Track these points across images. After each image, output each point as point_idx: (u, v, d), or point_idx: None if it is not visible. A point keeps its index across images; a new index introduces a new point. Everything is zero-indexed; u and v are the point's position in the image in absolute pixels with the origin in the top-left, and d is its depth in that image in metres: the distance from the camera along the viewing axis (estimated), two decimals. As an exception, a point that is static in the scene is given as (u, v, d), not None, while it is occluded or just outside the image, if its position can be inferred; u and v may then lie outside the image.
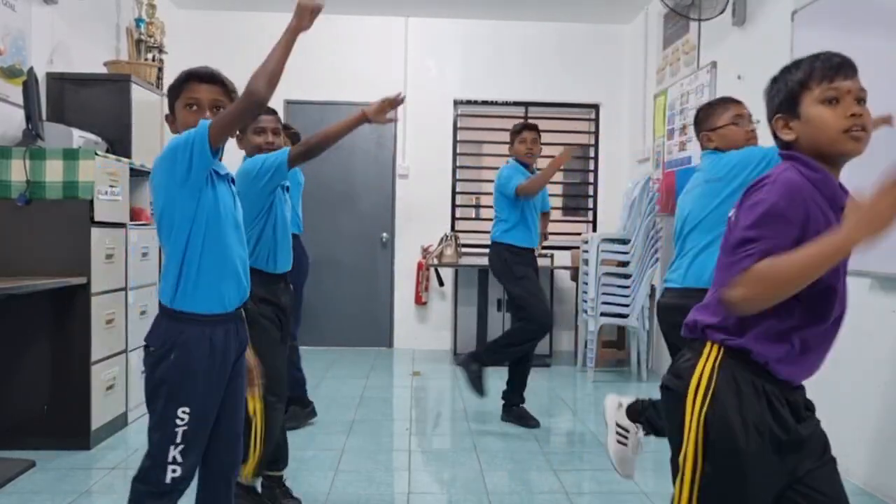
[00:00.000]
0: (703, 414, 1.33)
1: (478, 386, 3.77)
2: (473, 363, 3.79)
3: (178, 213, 1.68)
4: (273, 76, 1.60)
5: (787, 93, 1.39)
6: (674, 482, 1.41)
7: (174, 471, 1.69)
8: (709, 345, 1.38)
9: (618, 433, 2.53)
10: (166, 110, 1.86)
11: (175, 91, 1.79)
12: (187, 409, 1.69)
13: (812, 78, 1.36)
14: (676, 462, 1.40)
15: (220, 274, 1.74)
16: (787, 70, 1.42)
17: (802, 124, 1.37)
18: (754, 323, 1.32)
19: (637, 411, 2.55)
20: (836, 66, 1.35)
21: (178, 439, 1.69)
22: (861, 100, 1.35)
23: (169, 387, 1.69)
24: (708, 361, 1.36)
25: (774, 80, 1.44)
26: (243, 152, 2.58)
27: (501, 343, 3.85)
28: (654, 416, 2.49)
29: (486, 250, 4.04)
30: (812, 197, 1.31)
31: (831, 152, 1.35)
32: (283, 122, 3.49)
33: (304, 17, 1.67)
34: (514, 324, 3.96)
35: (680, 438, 1.37)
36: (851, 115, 1.32)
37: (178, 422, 1.69)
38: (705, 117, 2.57)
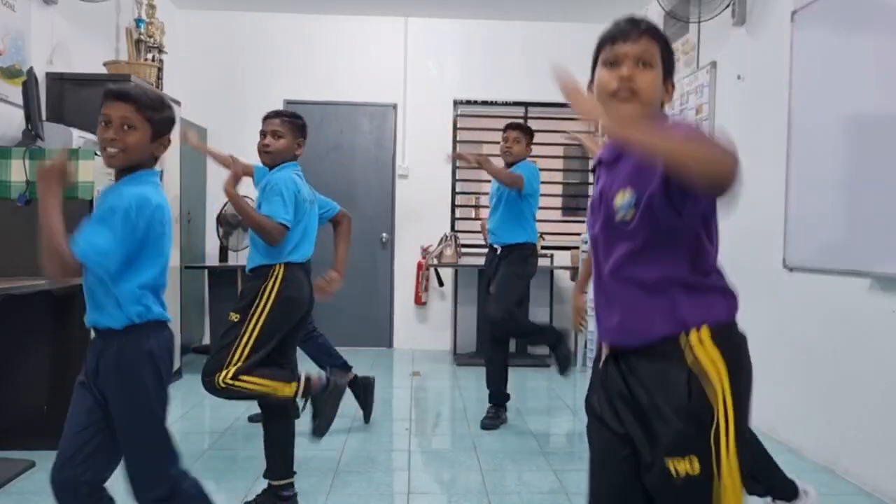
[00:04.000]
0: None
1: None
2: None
3: None
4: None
5: (593, 56, 1.38)
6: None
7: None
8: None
9: None
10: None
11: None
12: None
13: (603, 41, 1.35)
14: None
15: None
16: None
17: (595, 87, 1.36)
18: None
19: None
20: (619, 30, 1.33)
21: None
22: (645, 63, 1.29)
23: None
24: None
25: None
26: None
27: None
28: None
29: (486, 250, 4.03)
30: None
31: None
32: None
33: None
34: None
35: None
36: (620, 76, 1.28)
37: None
38: None
